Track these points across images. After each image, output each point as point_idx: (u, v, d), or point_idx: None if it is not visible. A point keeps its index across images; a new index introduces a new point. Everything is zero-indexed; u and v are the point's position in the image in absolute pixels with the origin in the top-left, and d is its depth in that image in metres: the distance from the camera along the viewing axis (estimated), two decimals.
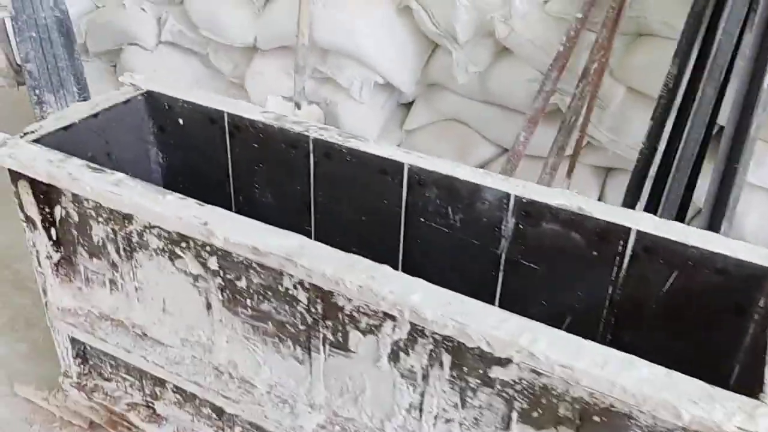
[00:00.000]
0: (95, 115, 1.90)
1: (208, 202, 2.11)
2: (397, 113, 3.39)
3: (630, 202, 2.31)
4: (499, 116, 3.03)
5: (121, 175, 1.61)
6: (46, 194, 1.75)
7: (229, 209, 2.08)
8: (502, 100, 2.93)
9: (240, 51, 3.65)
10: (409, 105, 3.38)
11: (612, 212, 1.57)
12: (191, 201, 1.53)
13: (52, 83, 2.90)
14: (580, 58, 2.57)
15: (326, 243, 1.97)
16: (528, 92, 2.80)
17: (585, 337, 1.21)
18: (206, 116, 1.98)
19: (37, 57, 2.84)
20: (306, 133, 1.86)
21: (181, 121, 2.03)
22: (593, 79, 2.47)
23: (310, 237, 1.97)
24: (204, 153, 2.06)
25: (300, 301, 1.48)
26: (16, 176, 1.72)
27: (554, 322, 1.38)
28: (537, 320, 1.25)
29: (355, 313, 1.42)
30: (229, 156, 2.01)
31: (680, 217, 2.32)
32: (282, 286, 1.49)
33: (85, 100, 3.00)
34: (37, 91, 2.88)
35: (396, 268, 1.87)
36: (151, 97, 2.04)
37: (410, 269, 1.86)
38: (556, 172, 2.64)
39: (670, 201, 2.31)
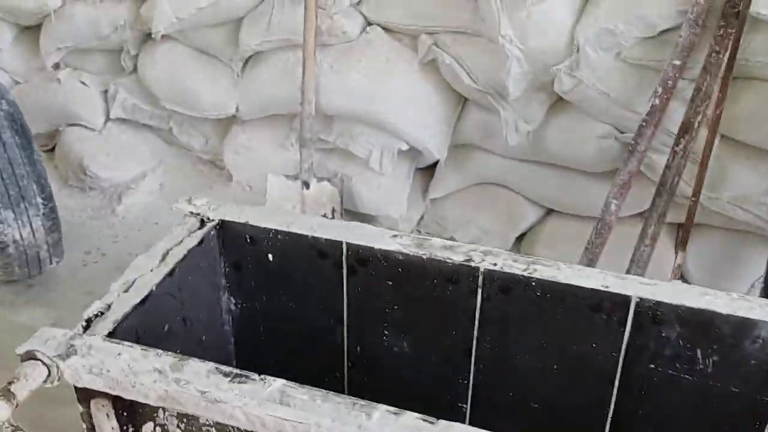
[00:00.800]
0: (171, 273, 1.33)
1: (305, 357, 1.59)
2: (415, 180, 2.93)
3: None
4: (549, 176, 2.64)
5: (279, 383, 1.06)
6: (131, 407, 1.17)
7: (340, 363, 1.58)
8: (562, 160, 2.54)
9: (211, 123, 3.08)
10: (427, 169, 2.92)
11: None
12: (412, 416, 1.01)
13: (10, 196, 2.23)
14: (672, 110, 2.22)
15: (494, 399, 1.51)
16: (599, 150, 2.43)
17: None
18: (313, 249, 1.45)
19: None
20: (470, 264, 1.37)
21: (270, 257, 1.49)
22: (708, 135, 2.13)
23: (467, 392, 1.52)
24: (302, 295, 1.53)
25: None
26: (88, 394, 1.13)
27: None
28: None
29: None
30: (345, 297, 1.49)
31: None
32: None
33: (52, 211, 2.35)
34: None
35: (604, 421, 1.44)
36: (224, 228, 1.49)
37: (624, 425, 1.43)
38: (656, 243, 2.27)
39: None
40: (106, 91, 3.16)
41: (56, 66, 3.22)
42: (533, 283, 1.35)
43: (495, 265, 1.37)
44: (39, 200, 2.29)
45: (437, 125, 2.67)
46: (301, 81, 2.64)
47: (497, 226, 2.75)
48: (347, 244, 1.43)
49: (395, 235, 1.44)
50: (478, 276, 1.38)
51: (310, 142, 2.70)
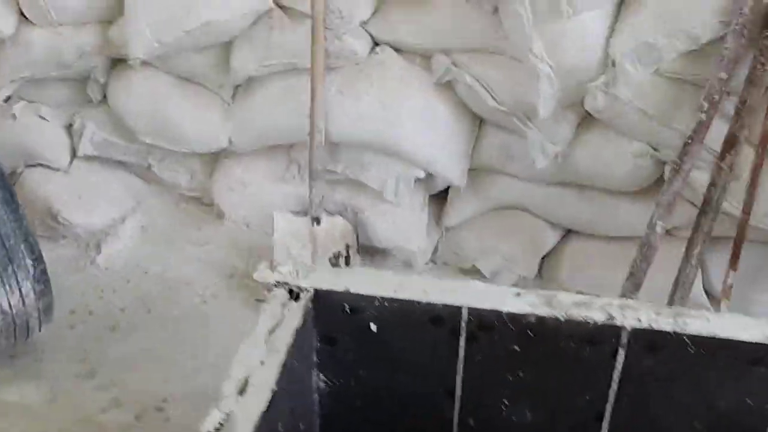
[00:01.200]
0: (284, 363, 1.12)
1: None
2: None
3: None
4: (573, 197, 2.52)
5: None
6: None
7: None
8: (591, 181, 2.43)
9: (196, 156, 2.82)
10: (438, 195, 2.75)
11: None
12: None
13: None
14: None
15: None
16: (635, 168, 2.32)
17: None
18: (425, 315, 1.27)
19: None
20: (613, 322, 1.22)
21: (373, 327, 1.29)
22: (758, 149, 2.05)
23: None
24: (406, 367, 1.34)
25: None
26: None
27: None
28: None
29: None
30: (460, 368, 1.31)
31: None
32: None
33: (43, 273, 2.06)
34: None
35: None
36: (318, 299, 1.28)
37: None
38: (700, 263, 2.19)
39: None
40: (70, 126, 2.84)
41: (7, 99, 2.87)
42: (686, 339, 1.21)
43: (639, 321, 1.23)
44: (28, 261, 1.99)
45: (456, 150, 2.50)
46: (306, 107, 2.43)
47: (519, 253, 2.62)
48: (468, 308, 1.25)
49: (518, 294, 1.27)
50: (621, 335, 1.23)
51: (319, 174, 2.49)
